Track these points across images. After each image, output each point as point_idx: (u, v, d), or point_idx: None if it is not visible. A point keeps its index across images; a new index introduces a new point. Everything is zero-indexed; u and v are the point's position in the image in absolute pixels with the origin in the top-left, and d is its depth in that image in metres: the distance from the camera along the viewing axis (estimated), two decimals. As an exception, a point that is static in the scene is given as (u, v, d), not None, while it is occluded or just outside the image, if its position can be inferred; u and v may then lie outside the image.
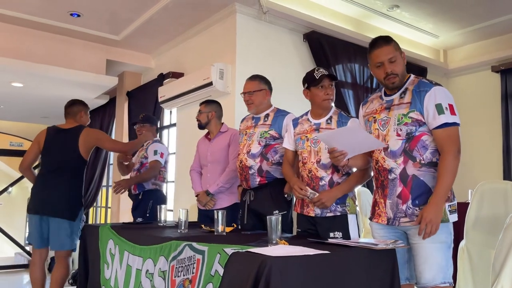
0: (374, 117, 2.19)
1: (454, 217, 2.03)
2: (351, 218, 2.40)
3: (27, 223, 4.63)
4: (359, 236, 2.48)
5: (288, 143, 2.60)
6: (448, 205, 2.01)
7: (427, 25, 5.12)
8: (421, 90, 2.04)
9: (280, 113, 2.83)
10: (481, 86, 5.68)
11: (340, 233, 2.35)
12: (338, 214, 2.38)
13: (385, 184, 2.11)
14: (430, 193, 2.00)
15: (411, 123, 2.03)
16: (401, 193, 2.04)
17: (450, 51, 5.92)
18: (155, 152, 3.84)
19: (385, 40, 2.14)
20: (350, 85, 4.68)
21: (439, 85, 2.06)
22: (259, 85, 2.85)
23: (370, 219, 2.23)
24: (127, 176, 4.11)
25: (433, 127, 2.00)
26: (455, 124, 1.98)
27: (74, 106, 3.72)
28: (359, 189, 4.43)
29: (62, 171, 3.40)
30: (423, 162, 2.02)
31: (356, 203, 2.50)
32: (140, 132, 3.99)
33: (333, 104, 2.54)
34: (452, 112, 1.99)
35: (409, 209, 2.02)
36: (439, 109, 1.98)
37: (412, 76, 2.15)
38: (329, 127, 2.43)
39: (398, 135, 2.06)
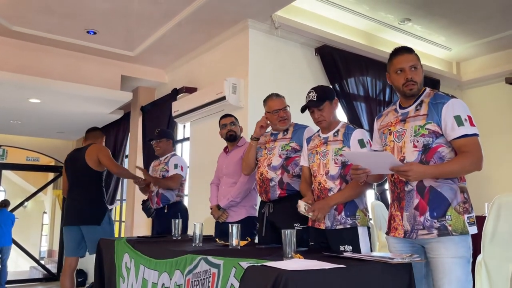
0: (390, 129, 2.19)
1: (473, 230, 1.99)
2: (361, 231, 2.38)
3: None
4: (371, 250, 2.45)
5: (303, 160, 2.64)
6: (467, 217, 1.98)
7: (439, 37, 5.12)
8: (437, 102, 2.04)
9: (299, 127, 2.86)
10: (495, 98, 5.64)
11: (350, 247, 2.33)
12: (348, 226, 2.36)
13: (402, 196, 2.10)
14: (448, 204, 1.97)
15: (428, 135, 2.02)
16: (419, 205, 2.02)
17: (463, 63, 5.90)
18: (176, 166, 3.86)
19: (407, 49, 2.17)
20: (363, 98, 4.69)
21: (455, 97, 2.05)
22: (285, 102, 2.89)
23: (387, 233, 2.21)
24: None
25: (453, 138, 1.98)
26: (475, 135, 1.98)
27: (91, 132, 4.19)
28: (373, 202, 4.41)
29: (79, 183, 3.84)
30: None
31: (370, 215, 2.47)
32: (158, 148, 3.99)
33: (338, 118, 2.58)
34: (472, 124, 1.98)
35: (427, 221, 1.99)
36: (458, 120, 1.97)
37: (428, 89, 2.16)
38: (336, 139, 2.45)
39: (415, 146, 2.05)
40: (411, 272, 1.91)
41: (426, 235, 2.00)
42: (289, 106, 2.89)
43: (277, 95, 2.92)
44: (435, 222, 1.98)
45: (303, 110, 2.56)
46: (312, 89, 2.55)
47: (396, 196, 2.13)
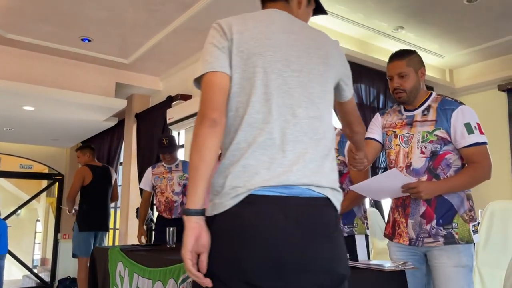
0: (395, 132, 2.15)
1: (476, 238, 1.98)
2: (359, 239, 2.38)
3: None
4: (369, 257, 2.45)
5: None
6: (472, 225, 1.96)
7: (432, 45, 5.16)
8: (446, 108, 2.01)
9: None
10: (488, 105, 5.67)
11: (347, 255, 2.33)
12: (345, 235, 2.36)
13: (407, 203, 2.05)
14: (454, 211, 1.95)
15: (436, 141, 1.98)
16: (425, 212, 1.98)
17: (456, 70, 5.95)
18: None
19: (399, 55, 2.12)
20: (357, 106, 4.70)
21: (464, 104, 2.04)
22: None
23: (391, 239, 2.15)
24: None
25: (462, 146, 1.96)
26: (485, 143, 1.98)
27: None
28: (368, 209, 4.41)
29: (107, 195, 5.16)
30: None
31: (367, 223, 2.47)
32: (170, 158, 3.90)
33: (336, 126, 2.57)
34: (481, 132, 1.97)
35: (433, 229, 1.96)
36: (468, 128, 1.95)
37: (434, 93, 2.13)
38: None
39: (423, 152, 2.01)
40: (405, 280, 1.91)
41: (432, 243, 1.96)
42: None
43: None
44: (441, 230, 1.94)
45: None
46: None
47: (401, 203, 2.08)
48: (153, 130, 5.35)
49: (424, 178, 1.99)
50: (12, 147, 7.91)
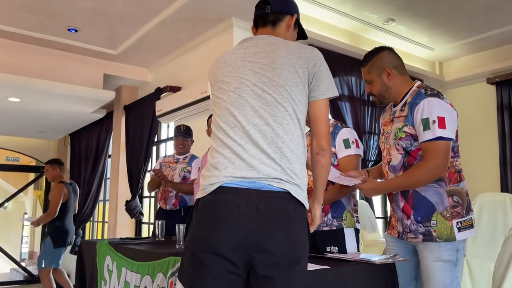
0: (383, 129, 2.16)
1: (465, 234, 1.91)
2: (348, 232, 2.37)
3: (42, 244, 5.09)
4: (358, 250, 2.45)
5: None
6: (457, 222, 1.89)
7: (423, 38, 5.16)
8: (414, 102, 1.94)
9: None
10: (477, 98, 5.71)
11: (336, 248, 2.32)
12: (334, 228, 2.35)
13: (391, 199, 2.09)
14: (433, 209, 1.91)
15: (405, 138, 1.96)
16: (404, 208, 2.00)
17: (445, 63, 5.97)
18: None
19: (363, 61, 2.13)
20: (347, 98, 4.71)
21: (436, 95, 1.92)
22: None
23: (387, 230, 2.22)
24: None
25: (420, 143, 1.92)
26: (439, 138, 1.84)
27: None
28: (358, 202, 4.42)
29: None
30: None
31: (357, 216, 2.46)
32: (182, 146, 3.85)
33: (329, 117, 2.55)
34: (441, 126, 1.84)
35: (413, 225, 1.96)
36: (425, 124, 1.87)
37: (416, 84, 2.05)
38: None
39: (397, 149, 2.01)
40: (395, 272, 1.92)
41: (414, 239, 1.98)
42: None
43: None
44: (420, 227, 1.94)
45: None
46: None
47: (389, 198, 2.12)
48: (142, 122, 5.30)
49: (401, 174, 2.00)
50: (-2, 139, 7.80)
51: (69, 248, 5.26)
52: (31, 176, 9.32)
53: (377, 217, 4.68)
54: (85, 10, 4.04)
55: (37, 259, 5.12)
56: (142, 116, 5.34)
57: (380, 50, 2.11)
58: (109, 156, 6.37)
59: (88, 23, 4.33)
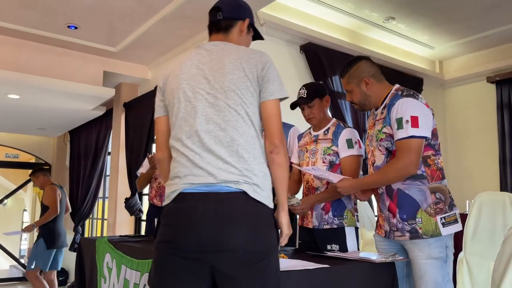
0: (367, 132, 2.22)
1: (450, 229, 1.96)
2: (348, 231, 2.39)
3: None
4: (358, 249, 2.46)
5: (294, 157, 2.64)
6: (441, 217, 1.94)
7: (423, 36, 5.16)
8: (390, 104, 2.02)
9: (285, 126, 2.85)
10: (477, 97, 5.72)
11: (337, 246, 2.34)
12: (335, 226, 2.37)
13: (377, 199, 2.14)
14: (417, 206, 1.96)
15: (385, 138, 2.02)
16: (389, 207, 2.04)
17: (445, 62, 5.97)
18: None
19: (342, 72, 2.19)
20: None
21: (410, 96, 1.98)
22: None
23: (375, 229, 2.25)
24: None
25: (394, 141, 1.98)
26: (411, 137, 1.90)
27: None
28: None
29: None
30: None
31: (357, 215, 2.47)
32: None
33: (330, 116, 2.58)
34: (414, 125, 1.90)
35: (399, 224, 2.00)
36: (399, 123, 1.94)
37: (394, 88, 2.11)
38: (326, 137, 2.44)
39: (380, 151, 2.07)
40: (394, 271, 1.92)
41: (401, 237, 2.02)
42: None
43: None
44: (406, 225, 1.98)
45: (293, 107, 2.55)
46: (303, 86, 2.55)
47: (376, 199, 2.17)
48: (141, 120, 5.29)
49: None
50: (-2, 136, 7.79)
51: (63, 250, 5.30)
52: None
53: (376, 216, 4.69)
54: (85, 7, 4.03)
55: (28, 260, 5.14)
56: (141, 114, 5.33)
57: (357, 60, 2.17)
58: (109, 153, 6.37)
59: (88, 20, 4.32)
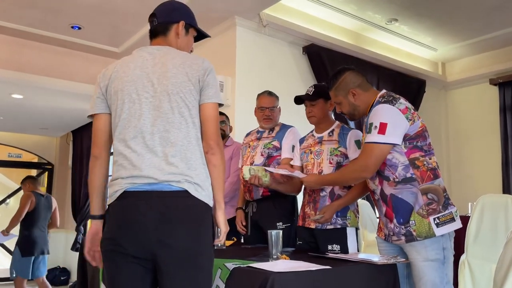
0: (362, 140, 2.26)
1: (445, 229, 1.95)
2: (350, 231, 2.39)
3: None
4: (358, 250, 2.47)
5: (296, 159, 2.65)
6: (434, 218, 1.94)
7: (426, 38, 5.16)
8: (370, 110, 2.08)
9: (284, 127, 2.88)
10: (480, 99, 5.71)
11: (338, 246, 2.34)
12: (338, 226, 2.38)
13: (375, 204, 2.17)
14: (411, 209, 1.97)
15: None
16: (386, 212, 2.06)
17: (448, 64, 5.96)
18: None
19: (329, 85, 2.23)
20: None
21: (388, 102, 2.00)
22: (276, 102, 2.90)
23: (377, 232, 2.27)
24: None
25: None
26: (372, 142, 1.96)
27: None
28: (360, 202, 4.42)
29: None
30: (397, 180, 1.99)
31: (358, 216, 2.49)
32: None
33: (333, 119, 2.59)
34: (381, 131, 1.94)
35: (396, 228, 2.02)
36: (368, 128, 2.00)
37: (380, 94, 2.11)
38: (331, 139, 2.45)
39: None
40: (396, 273, 1.93)
41: (397, 241, 2.04)
42: (277, 107, 2.88)
43: (269, 93, 2.93)
44: (402, 229, 2.00)
45: (297, 101, 2.60)
46: (313, 85, 2.60)
47: (375, 203, 2.19)
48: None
49: (377, 181, 2.07)
50: (1, 135, 7.80)
51: (46, 256, 5.30)
52: (33, 172, 9.32)
53: (378, 217, 4.69)
54: (88, 7, 4.05)
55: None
56: (144, 114, 5.34)
57: (341, 72, 2.20)
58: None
59: (92, 20, 4.33)
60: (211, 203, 1.55)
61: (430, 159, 2.02)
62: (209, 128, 1.58)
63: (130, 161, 1.51)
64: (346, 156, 2.40)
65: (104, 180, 1.69)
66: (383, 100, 2.02)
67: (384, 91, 2.14)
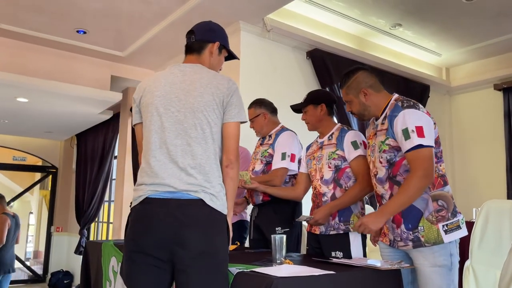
0: (369, 142, 2.20)
1: (453, 236, 1.95)
2: (353, 237, 2.36)
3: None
4: (364, 255, 2.44)
5: (302, 167, 2.66)
6: (443, 225, 1.93)
7: (430, 43, 5.16)
8: (392, 115, 2.00)
9: (280, 132, 2.88)
10: (484, 104, 5.69)
11: (341, 253, 2.32)
12: (341, 232, 2.35)
13: None
14: (420, 215, 1.95)
15: (389, 150, 2.01)
16: (394, 218, 2.03)
17: (452, 69, 5.96)
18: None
19: (341, 83, 2.21)
20: (353, 102, 4.70)
21: (412, 107, 1.98)
22: (254, 112, 2.93)
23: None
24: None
25: (404, 153, 1.96)
26: (419, 146, 1.89)
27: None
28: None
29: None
30: None
31: None
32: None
33: (335, 121, 2.60)
34: (420, 135, 1.89)
35: (403, 233, 1.99)
36: (405, 134, 1.93)
37: (394, 97, 2.10)
38: (330, 143, 2.44)
39: (381, 162, 2.05)
40: (400, 278, 1.92)
41: (404, 247, 2.01)
42: (258, 116, 2.91)
43: (250, 104, 2.98)
44: (410, 234, 1.97)
45: (294, 111, 2.66)
46: (309, 92, 2.62)
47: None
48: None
49: (387, 186, 2.03)
50: (6, 139, 7.84)
51: (11, 275, 5.29)
52: (37, 176, 9.36)
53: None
54: (93, 12, 4.08)
55: None
56: (148, 118, 5.35)
57: (354, 71, 2.18)
58: (115, 157, 6.40)
59: (97, 25, 4.36)
60: (225, 212, 1.67)
61: (440, 165, 2.01)
62: (231, 145, 1.72)
63: (154, 170, 1.66)
64: (344, 159, 2.37)
65: None
66: (405, 105, 1.98)
67: (396, 95, 2.11)
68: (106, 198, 6.83)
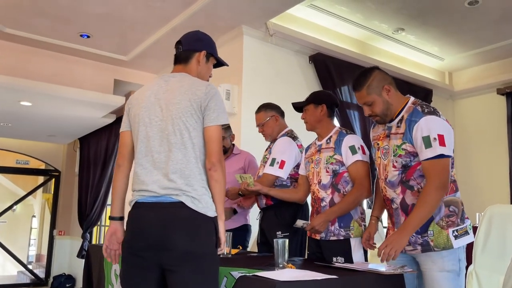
0: (378, 144, 2.15)
1: (462, 241, 1.94)
2: (354, 242, 2.34)
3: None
4: (366, 260, 2.43)
5: (300, 169, 2.66)
6: (453, 230, 1.93)
7: (433, 47, 5.16)
8: (412, 120, 1.96)
9: (282, 136, 2.87)
10: (487, 109, 5.68)
11: (342, 259, 2.30)
12: (342, 238, 2.34)
13: (391, 213, 2.10)
14: (431, 220, 1.94)
15: (405, 155, 1.98)
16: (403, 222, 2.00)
17: (455, 73, 5.95)
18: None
19: (358, 85, 2.11)
20: (356, 106, 4.70)
21: (433, 113, 1.94)
22: (265, 115, 2.90)
23: None
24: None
25: (421, 160, 1.93)
26: (441, 156, 1.87)
27: None
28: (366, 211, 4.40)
29: None
30: (421, 190, 1.94)
31: (365, 225, 2.44)
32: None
33: (334, 124, 2.57)
34: (442, 143, 1.86)
35: (412, 237, 1.97)
36: (426, 142, 1.89)
37: (411, 101, 2.06)
38: (328, 146, 2.43)
39: (394, 166, 2.02)
40: (403, 283, 1.91)
41: (412, 251, 2.00)
42: (267, 120, 2.88)
43: (258, 109, 2.95)
44: (419, 238, 1.96)
45: (295, 109, 2.66)
46: (312, 92, 2.63)
47: (388, 213, 2.14)
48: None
49: (398, 190, 2.01)
50: (9, 142, 7.87)
51: None
52: (40, 179, 9.39)
53: (384, 227, 4.66)
54: (97, 16, 4.10)
55: None
56: (151, 122, 5.37)
57: (371, 70, 2.12)
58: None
59: (100, 29, 4.38)
60: (209, 214, 1.71)
61: (452, 171, 1.99)
62: (212, 148, 1.77)
63: (140, 177, 1.78)
64: (342, 164, 2.35)
65: (124, 186, 1.93)
66: (426, 111, 1.94)
67: (412, 98, 2.07)
68: (109, 201, 6.83)
